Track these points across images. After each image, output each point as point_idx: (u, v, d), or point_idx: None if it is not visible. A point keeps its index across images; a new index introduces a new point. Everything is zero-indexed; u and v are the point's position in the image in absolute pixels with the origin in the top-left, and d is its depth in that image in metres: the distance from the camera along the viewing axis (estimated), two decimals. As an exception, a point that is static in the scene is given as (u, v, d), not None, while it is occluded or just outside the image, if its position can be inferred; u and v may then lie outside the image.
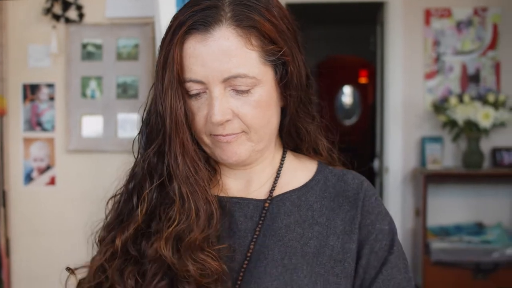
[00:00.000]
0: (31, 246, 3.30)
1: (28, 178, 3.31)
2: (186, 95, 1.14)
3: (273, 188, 1.23)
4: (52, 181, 3.31)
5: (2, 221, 3.20)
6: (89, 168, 3.16)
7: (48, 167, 3.31)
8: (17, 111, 3.37)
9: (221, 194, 1.20)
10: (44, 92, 3.37)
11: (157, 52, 1.21)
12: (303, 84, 1.21)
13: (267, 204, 1.21)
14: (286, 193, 1.23)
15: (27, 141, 3.33)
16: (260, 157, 1.22)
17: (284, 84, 1.17)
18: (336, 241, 1.19)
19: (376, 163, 5.63)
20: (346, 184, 1.25)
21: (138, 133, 1.22)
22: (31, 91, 3.37)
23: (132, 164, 1.23)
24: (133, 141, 1.23)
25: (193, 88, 1.13)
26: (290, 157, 1.28)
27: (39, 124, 3.34)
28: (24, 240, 3.30)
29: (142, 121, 1.22)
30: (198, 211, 1.12)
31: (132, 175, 1.21)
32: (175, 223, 1.12)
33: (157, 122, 1.15)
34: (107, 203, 1.25)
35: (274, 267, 1.15)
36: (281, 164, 1.26)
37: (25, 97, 3.37)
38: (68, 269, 1.24)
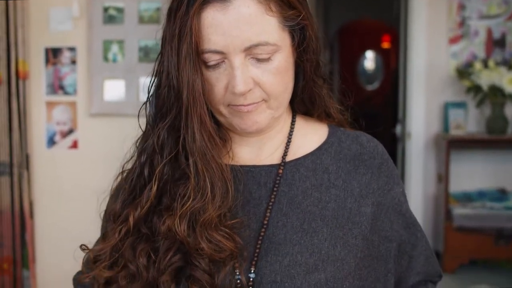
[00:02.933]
0: (54, 208, 3.33)
1: (51, 142, 3.33)
2: (203, 66, 1.11)
3: (285, 154, 1.22)
4: (74, 145, 3.32)
5: (26, 184, 3.23)
6: (111, 132, 3.16)
7: (70, 131, 3.33)
8: (40, 75, 3.37)
9: (232, 163, 1.18)
10: (66, 56, 3.37)
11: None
12: (319, 48, 1.19)
13: (280, 171, 1.20)
14: (299, 158, 1.22)
15: (50, 105, 3.34)
16: (274, 123, 1.20)
17: (302, 49, 1.15)
18: (354, 204, 1.18)
19: (398, 129, 5.60)
20: (361, 146, 1.24)
21: (144, 103, 1.19)
22: (53, 54, 3.37)
23: (141, 136, 1.21)
24: (139, 111, 1.20)
25: (212, 58, 1.10)
26: (300, 122, 1.26)
27: (62, 87, 3.35)
28: (47, 202, 3.33)
29: (150, 94, 1.18)
30: (214, 189, 1.10)
31: (143, 148, 1.18)
32: (190, 201, 1.10)
33: (170, 96, 1.12)
34: (116, 178, 1.23)
35: (294, 233, 1.14)
36: (292, 128, 1.25)
37: (47, 60, 3.37)
38: (83, 247, 1.23)
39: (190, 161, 1.11)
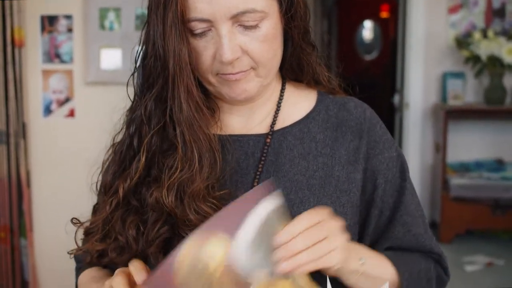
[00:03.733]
0: (51, 177, 3.32)
1: (48, 110, 3.31)
2: (189, 34, 1.09)
3: (273, 122, 1.21)
4: (71, 113, 3.31)
5: (22, 153, 3.22)
6: (108, 100, 3.13)
7: (67, 99, 3.31)
8: (35, 43, 3.34)
9: (221, 133, 1.17)
10: (62, 24, 3.33)
11: None
12: (307, 14, 1.18)
13: (268, 140, 1.19)
14: (286, 127, 1.20)
15: (46, 73, 3.32)
16: (263, 91, 1.18)
17: (289, 15, 1.14)
18: (341, 171, 1.18)
19: (396, 99, 5.59)
20: (348, 113, 1.23)
21: (132, 73, 1.18)
22: (49, 22, 3.33)
23: (130, 106, 1.19)
24: (127, 81, 1.18)
25: (198, 27, 1.07)
26: (290, 89, 1.25)
27: (58, 56, 3.32)
28: (44, 171, 3.32)
29: (137, 64, 1.17)
30: (201, 160, 1.09)
31: (131, 119, 1.17)
32: (177, 172, 1.09)
33: (156, 66, 1.10)
34: (108, 151, 1.22)
35: None
36: (281, 96, 1.23)
37: (43, 28, 3.34)
38: (74, 220, 1.23)
39: (177, 131, 1.10)
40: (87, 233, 1.21)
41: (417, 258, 1.25)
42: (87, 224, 1.21)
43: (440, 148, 4.66)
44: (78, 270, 1.32)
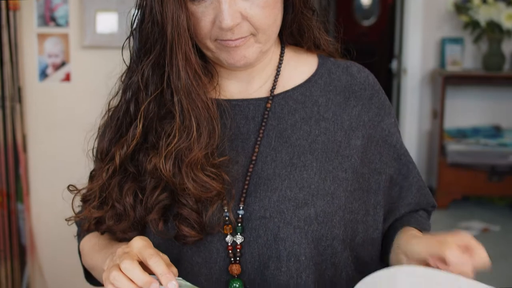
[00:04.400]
0: (48, 141, 3.31)
1: (43, 75, 3.29)
2: (188, 0, 1.06)
3: (273, 86, 1.20)
4: (67, 78, 3.28)
5: (18, 117, 3.20)
6: (104, 65, 3.11)
7: (63, 63, 3.28)
8: (30, 6, 3.30)
9: (220, 98, 1.15)
10: (57, -13, 3.30)
11: None
12: None
13: (269, 104, 1.18)
14: (288, 91, 1.19)
15: (41, 37, 3.28)
16: (262, 57, 1.16)
17: None
18: (344, 137, 1.17)
19: (394, 64, 5.56)
20: (352, 77, 1.22)
21: (128, 37, 1.15)
22: (44, -15, 3.29)
23: (125, 71, 1.18)
24: (122, 46, 1.15)
25: None
26: (289, 53, 1.23)
27: (53, 19, 3.28)
28: (41, 136, 3.31)
29: (133, 27, 1.15)
30: (199, 128, 1.08)
31: (128, 85, 1.15)
32: (175, 140, 1.08)
33: (154, 32, 1.08)
34: (103, 116, 1.21)
35: (283, 168, 1.13)
36: (281, 60, 1.22)
37: (38, -9, 3.30)
38: (71, 188, 1.22)
39: (175, 99, 1.08)
40: (84, 200, 1.20)
41: (425, 220, 1.28)
42: (84, 191, 1.21)
43: (438, 114, 4.65)
44: (79, 236, 1.32)
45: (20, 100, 3.22)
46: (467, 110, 4.90)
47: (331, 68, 1.22)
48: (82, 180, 1.25)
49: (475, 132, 4.75)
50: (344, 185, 1.15)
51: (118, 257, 1.01)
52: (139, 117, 1.11)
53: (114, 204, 1.14)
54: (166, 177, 1.08)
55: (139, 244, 1.01)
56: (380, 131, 1.21)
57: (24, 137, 3.26)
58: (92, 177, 1.23)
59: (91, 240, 1.27)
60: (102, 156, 1.17)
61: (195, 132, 1.07)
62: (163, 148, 1.08)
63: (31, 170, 3.31)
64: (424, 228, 1.21)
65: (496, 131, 4.76)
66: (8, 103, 3.17)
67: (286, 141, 1.15)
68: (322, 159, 1.15)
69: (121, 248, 1.03)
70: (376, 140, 1.21)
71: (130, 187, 1.13)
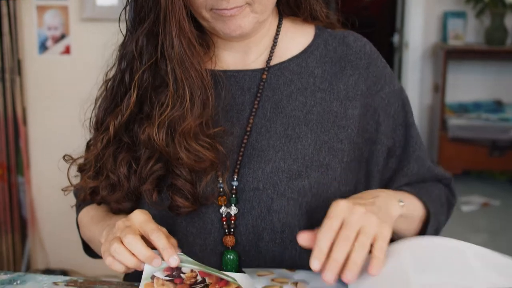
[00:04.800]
0: (47, 114, 3.30)
1: (43, 47, 3.27)
2: None
3: (270, 58, 1.19)
4: (67, 50, 3.26)
5: (18, 90, 3.19)
6: (104, 37, 3.08)
7: (62, 36, 3.26)
8: (30, -22, 3.28)
9: (216, 68, 1.15)
10: (56, -42, 3.26)
11: None
12: None
13: (264, 76, 1.17)
14: (283, 62, 1.19)
15: (41, 9, 3.26)
16: (259, 27, 1.16)
17: None
18: (340, 107, 1.16)
19: (395, 38, 5.53)
20: (348, 47, 1.21)
21: (124, 7, 1.14)
22: (43, -44, 3.26)
23: (121, 42, 1.17)
24: (119, 16, 1.15)
25: None
26: (286, 24, 1.23)
27: (52, -9, 3.26)
28: (40, 109, 3.30)
29: None
30: (193, 97, 1.08)
31: (122, 56, 1.15)
32: (168, 109, 1.08)
33: (148, 0, 1.07)
34: (101, 87, 1.20)
35: (277, 139, 1.13)
36: (278, 31, 1.21)
37: (37, -38, 3.26)
38: (66, 157, 1.23)
39: (169, 68, 1.08)
40: (81, 170, 1.22)
41: (430, 187, 1.25)
42: (80, 161, 1.21)
43: (439, 88, 4.63)
44: (78, 208, 1.32)
45: (19, 73, 3.20)
46: (469, 85, 4.88)
47: (327, 39, 1.21)
48: (78, 151, 1.25)
49: (477, 106, 4.74)
50: (339, 156, 1.15)
51: (119, 230, 1.01)
52: (133, 87, 1.11)
53: (109, 174, 1.14)
54: (159, 146, 1.08)
55: (140, 218, 1.02)
56: (379, 100, 1.20)
57: (24, 110, 3.25)
58: (88, 147, 1.23)
59: (89, 212, 1.27)
60: (97, 126, 1.18)
61: (188, 101, 1.07)
62: (156, 117, 1.08)
63: (31, 143, 3.31)
64: (420, 194, 1.18)
65: (497, 106, 4.75)
66: (7, 76, 3.16)
67: (281, 112, 1.15)
68: (317, 129, 1.14)
69: (121, 221, 1.03)
70: (373, 109, 1.20)
71: (124, 158, 1.13)
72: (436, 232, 1.21)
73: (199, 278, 1.00)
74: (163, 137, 1.08)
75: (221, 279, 1.00)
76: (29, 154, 3.30)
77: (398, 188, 1.19)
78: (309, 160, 1.12)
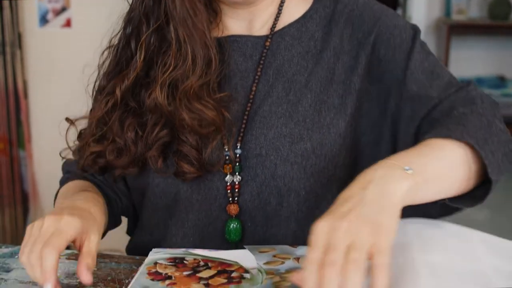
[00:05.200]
0: (48, 88, 3.28)
1: (43, 20, 3.25)
2: None
3: (274, 26, 1.19)
4: (68, 23, 3.24)
5: (19, 63, 3.18)
6: (106, 11, 3.05)
7: (63, 9, 3.24)
8: (30, -51, 3.25)
9: (221, 35, 1.17)
10: None
11: None
12: None
13: (268, 43, 1.18)
14: (284, 27, 1.19)
15: (41, -19, 3.24)
16: None
17: None
18: (341, 65, 1.16)
19: (398, 12, 5.49)
20: (342, 4, 1.19)
21: None
22: None
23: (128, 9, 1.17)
24: None
25: None
26: None
27: (53, -37, 3.23)
28: (41, 82, 3.28)
29: None
30: (195, 56, 1.08)
31: (129, 20, 1.16)
32: (171, 68, 1.08)
33: None
34: (102, 53, 1.20)
35: (279, 105, 1.14)
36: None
37: None
38: (67, 119, 1.23)
39: (171, 27, 1.09)
40: (82, 136, 1.21)
41: (458, 115, 1.05)
42: (82, 126, 1.21)
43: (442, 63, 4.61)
44: (62, 182, 1.31)
45: (20, 46, 3.19)
46: (472, 60, 4.85)
47: (325, 3, 1.20)
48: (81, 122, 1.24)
49: (479, 82, 4.72)
50: (342, 110, 1.14)
51: (45, 232, 0.94)
52: (139, 49, 1.11)
53: (115, 138, 1.14)
54: (162, 106, 1.08)
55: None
56: (378, 36, 1.15)
57: (25, 83, 3.24)
58: (91, 112, 1.23)
59: (68, 186, 1.26)
60: (100, 90, 1.18)
61: (190, 60, 1.08)
62: (159, 77, 1.09)
63: (33, 117, 3.30)
64: (446, 133, 0.97)
65: (500, 81, 4.73)
66: (8, 49, 3.14)
67: (283, 77, 1.15)
68: (317, 90, 1.14)
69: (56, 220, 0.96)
70: (380, 47, 1.15)
71: (132, 123, 1.13)
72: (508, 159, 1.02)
73: (201, 263, 1.01)
74: (165, 95, 1.08)
75: (223, 262, 1.01)
76: (30, 127, 3.29)
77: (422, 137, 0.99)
78: (310, 122, 1.12)
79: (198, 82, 1.08)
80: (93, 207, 1.07)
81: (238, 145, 1.13)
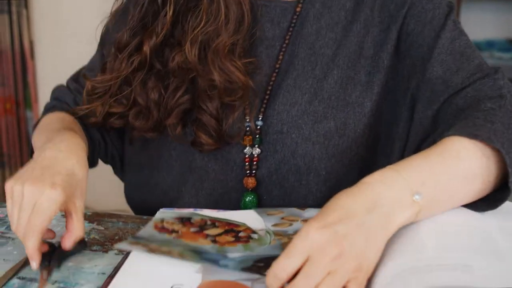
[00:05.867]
0: (55, 49, 3.26)
1: (50, -21, 3.22)
2: None
3: None
4: (74, -17, 3.22)
5: (25, 23, 3.16)
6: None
7: (70, -32, 3.21)
8: None
9: None
10: None
11: None
12: None
13: (299, 8, 1.12)
14: None
15: None
16: None
17: None
18: (370, 38, 1.10)
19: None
20: None
21: None
22: None
23: None
24: None
25: None
26: None
27: None
28: (48, 43, 3.26)
29: None
30: (228, 12, 1.04)
31: None
32: (202, 24, 1.03)
33: None
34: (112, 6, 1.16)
35: (304, 80, 1.09)
36: None
37: None
38: (85, 76, 1.18)
39: None
40: (93, 91, 1.14)
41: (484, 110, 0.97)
42: (95, 83, 1.13)
43: (452, 26, 4.57)
44: (47, 110, 1.26)
45: (26, 6, 3.16)
46: (482, 23, 4.80)
47: None
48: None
49: (489, 45, 4.68)
50: (369, 89, 1.09)
51: (27, 207, 0.90)
52: (168, 4, 1.06)
53: (137, 100, 1.10)
54: (191, 65, 1.04)
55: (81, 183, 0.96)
56: (410, 7, 1.09)
57: (31, 44, 3.22)
58: (105, 68, 1.15)
59: (52, 118, 1.20)
60: (120, 47, 1.11)
61: (223, 16, 1.03)
62: (189, 33, 1.04)
63: (39, 77, 3.29)
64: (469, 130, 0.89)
65: (510, 45, 4.69)
66: (14, 8, 3.12)
67: (309, 48, 1.10)
68: (344, 66, 1.09)
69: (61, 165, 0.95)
70: (410, 20, 1.09)
71: (156, 86, 1.09)
72: None
73: (208, 222, 1.00)
74: (196, 52, 1.04)
75: (230, 223, 1.00)
76: (37, 88, 3.28)
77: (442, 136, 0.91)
78: (335, 100, 1.08)
79: (230, 40, 1.03)
80: (75, 158, 0.98)
81: (260, 117, 1.09)
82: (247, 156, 1.10)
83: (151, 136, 1.13)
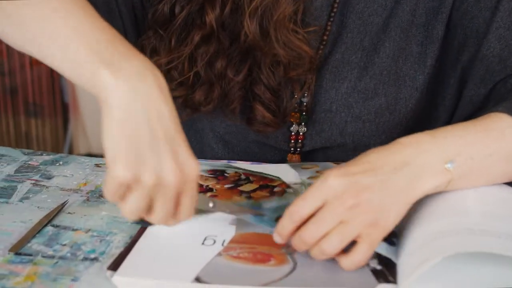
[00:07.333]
0: None
1: None
2: None
3: None
4: None
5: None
6: None
7: None
8: None
9: None
10: None
11: None
12: None
13: None
14: None
15: None
16: None
17: None
18: (422, 3, 1.02)
19: None
20: None
21: None
22: None
23: None
24: None
25: None
26: None
27: None
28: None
29: None
30: None
31: None
32: None
33: None
34: None
35: (353, 53, 1.02)
36: None
37: None
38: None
39: None
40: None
41: None
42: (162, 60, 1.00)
43: None
44: None
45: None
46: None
47: None
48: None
49: None
50: (421, 61, 1.03)
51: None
52: None
53: (203, 78, 1.00)
54: (252, 40, 0.95)
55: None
56: None
57: None
58: (154, 50, 1.01)
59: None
60: (174, 21, 0.99)
61: None
62: (246, 5, 0.94)
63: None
64: None
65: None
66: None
67: (358, 18, 1.03)
68: (396, 36, 1.02)
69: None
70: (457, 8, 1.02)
71: (221, 60, 0.99)
72: None
73: (242, 177, 0.99)
74: (257, 27, 0.94)
75: (265, 177, 0.99)
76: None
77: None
78: (387, 74, 1.02)
79: (290, 8, 0.94)
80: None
81: (306, 93, 1.03)
82: (293, 134, 1.06)
83: (208, 111, 1.03)
